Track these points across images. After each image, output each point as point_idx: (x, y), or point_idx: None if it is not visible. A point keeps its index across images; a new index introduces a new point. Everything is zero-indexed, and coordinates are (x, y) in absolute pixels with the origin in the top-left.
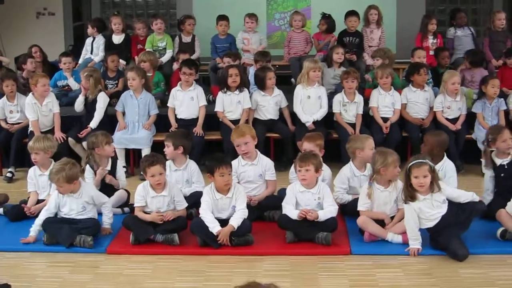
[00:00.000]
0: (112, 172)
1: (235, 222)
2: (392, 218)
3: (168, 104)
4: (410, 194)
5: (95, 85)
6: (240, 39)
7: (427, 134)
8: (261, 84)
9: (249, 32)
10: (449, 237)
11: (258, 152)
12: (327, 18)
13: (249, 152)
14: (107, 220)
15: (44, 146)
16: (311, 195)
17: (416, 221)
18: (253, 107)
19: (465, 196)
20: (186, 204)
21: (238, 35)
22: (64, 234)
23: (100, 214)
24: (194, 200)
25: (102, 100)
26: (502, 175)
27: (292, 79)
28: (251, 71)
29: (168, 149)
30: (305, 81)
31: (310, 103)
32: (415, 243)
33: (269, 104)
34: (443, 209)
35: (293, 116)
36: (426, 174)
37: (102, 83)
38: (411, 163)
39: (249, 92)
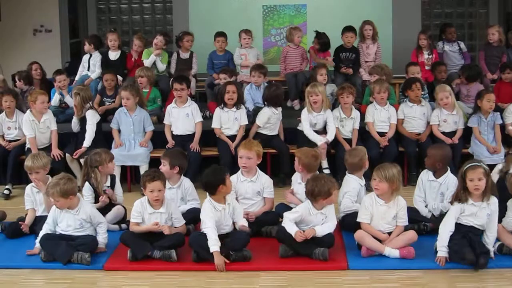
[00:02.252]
0: (111, 187)
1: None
2: (389, 234)
3: (164, 121)
4: (463, 198)
5: (83, 103)
6: (238, 55)
7: (430, 147)
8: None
9: (246, 48)
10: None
11: (258, 170)
12: (320, 37)
13: (249, 167)
14: (102, 240)
15: (43, 163)
16: (320, 215)
17: (452, 228)
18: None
19: (493, 232)
20: (184, 221)
21: (235, 51)
22: (61, 251)
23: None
24: (191, 216)
25: (90, 118)
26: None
27: (288, 102)
28: (248, 88)
29: (164, 168)
30: (309, 107)
31: (317, 128)
32: (444, 252)
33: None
34: (479, 222)
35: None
36: (481, 177)
37: (97, 100)
38: (467, 166)
39: (246, 109)
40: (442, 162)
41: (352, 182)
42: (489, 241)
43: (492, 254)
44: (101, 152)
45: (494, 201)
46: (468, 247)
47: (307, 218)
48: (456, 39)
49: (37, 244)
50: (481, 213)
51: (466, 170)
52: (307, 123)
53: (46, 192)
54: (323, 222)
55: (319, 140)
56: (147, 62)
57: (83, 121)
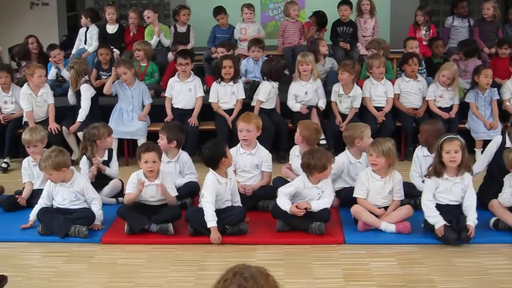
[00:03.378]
0: (108, 161)
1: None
2: (386, 208)
3: (165, 94)
4: (438, 170)
5: (77, 77)
6: (238, 29)
7: (422, 123)
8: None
9: (247, 22)
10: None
11: (258, 143)
12: (317, 16)
13: (249, 140)
14: (97, 217)
15: (41, 137)
16: (316, 189)
17: (432, 198)
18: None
19: (471, 203)
20: (176, 193)
21: (236, 25)
22: (58, 224)
23: None
24: (188, 190)
25: (84, 92)
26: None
27: (286, 70)
28: (244, 62)
29: (162, 142)
30: (297, 76)
31: (308, 98)
32: (439, 221)
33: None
34: (454, 198)
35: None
36: (457, 149)
37: (94, 74)
38: (443, 139)
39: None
40: (436, 137)
41: (341, 156)
42: (468, 213)
43: (472, 223)
44: (99, 126)
45: (467, 176)
46: (448, 228)
47: (303, 192)
48: (467, 15)
49: (31, 217)
50: (455, 188)
51: (443, 142)
52: (292, 96)
53: (38, 166)
54: (320, 197)
55: (299, 106)
56: (152, 43)
57: (78, 94)
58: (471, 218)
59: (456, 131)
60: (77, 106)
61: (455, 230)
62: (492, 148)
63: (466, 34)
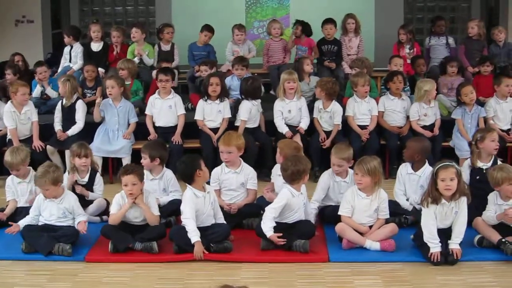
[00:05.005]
0: (90, 183)
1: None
2: (371, 227)
3: (146, 112)
4: (434, 197)
5: (72, 91)
6: (230, 51)
7: (409, 140)
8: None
9: (239, 44)
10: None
11: (242, 161)
12: (301, 23)
13: (231, 161)
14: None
15: (21, 159)
16: (301, 196)
17: (435, 223)
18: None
19: (460, 228)
20: (159, 214)
21: (228, 45)
22: (42, 242)
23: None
24: (173, 208)
25: (81, 109)
26: (477, 177)
27: (272, 91)
28: (229, 79)
29: (145, 161)
30: (282, 94)
31: (292, 116)
32: (436, 246)
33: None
34: (448, 222)
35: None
36: (453, 177)
37: (80, 91)
38: (438, 166)
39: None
40: (421, 154)
41: (324, 175)
42: (453, 235)
43: (455, 246)
44: (77, 144)
45: (463, 200)
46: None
47: (292, 202)
48: (444, 33)
49: (19, 223)
50: (450, 213)
51: (438, 169)
52: (278, 112)
53: (35, 182)
54: (304, 203)
55: (286, 130)
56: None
57: (69, 109)
58: (455, 241)
59: (440, 149)
60: (66, 120)
61: (442, 254)
62: (465, 173)
63: (444, 52)
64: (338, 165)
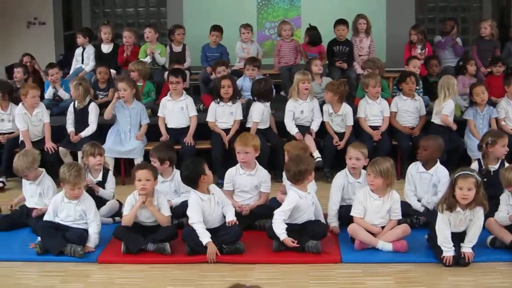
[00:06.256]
0: (103, 182)
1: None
2: (383, 228)
3: (158, 114)
4: (450, 204)
5: (84, 94)
6: (240, 48)
7: (424, 139)
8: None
9: (247, 42)
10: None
11: (257, 163)
12: (310, 30)
13: (247, 162)
14: (92, 241)
15: (27, 164)
16: (309, 196)
17: (449, 228)
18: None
19: (474, 235)
20: (170, 214)
21: (237, 44)
22: (54, 241)
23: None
24: (185, 209)
25: (94, 112)
26: (485, 179)
27: (282, 92)
28: (241, 79)
29: (155, 165)
30: (296, 94)
31: (304, 116)
32: (449, 251)
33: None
34: (462, 228)
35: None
36: (471, 187)
37: (92, 92)
38: (458, 174)
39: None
40: (439, 153)
41: (339, 176)
42: (466, 239)
43: (467, 250)
44: (89, 144)
45: (479, 209)
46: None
47: (301, 203)
48: (451, 32)
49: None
50: (464, 221)
51: (457, 177)
52: (290, 113)
53: (68, 182)
54: (313, 204)
55: (295, 131)
56: (146, 61)
57: (82, 112)
58: (467, 245)
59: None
60: (78, 123)
61: (454, 257)
62: None
63: (452, 51)
64: (356, 157)
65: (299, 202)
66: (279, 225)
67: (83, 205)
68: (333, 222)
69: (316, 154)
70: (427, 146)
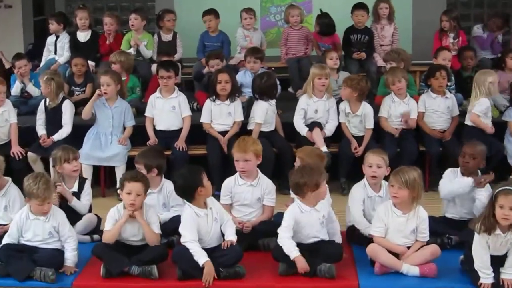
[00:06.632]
0: (79, 193)
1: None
2: (408, 248)
3: (146, 113)
4: (489, 225)
5: (57, 90)
6: (241, 36)
7: (470, 145)
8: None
9: (249, 29)
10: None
11: (259, 172)
12: (321, 18)
13: (248, 171)
14: (71, 258)
15: None
16: (315, 213)
17: (487, 252)
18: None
19: None
20: (160, 232)
21: (237, 31)
22: (19, 265)
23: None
24: (175, 226)
25: (69, 111)
26: None
27: (290, 88)
28: (241, 74)
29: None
30: (311, 90)
31: (318, 117)
32: (488, 278)
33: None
34: (502, 252)
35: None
36: None
37: (66, 89)
38: (499, 189)
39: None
40: (485, 160)
41: (356, 188)
42: (509, 265)
43: (508, 276)
44: (59, 149)
45: None
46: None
47: (301, 219)
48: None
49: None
50: (505, 244)
51: (498, 193)
52: (301, 111)
53: (37, 197)
54: (322, 224)
55: (305, 130)
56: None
57: (54, 112)
58: (508, 271)
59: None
60: (51, 124)
61: (493, 285)
62: None
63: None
64: (377, 164)
65: (299, 217)
66: (286, 242)
67: (53, 220)
68: (366, 227)
69: (324, 149)
70: (476, 154)
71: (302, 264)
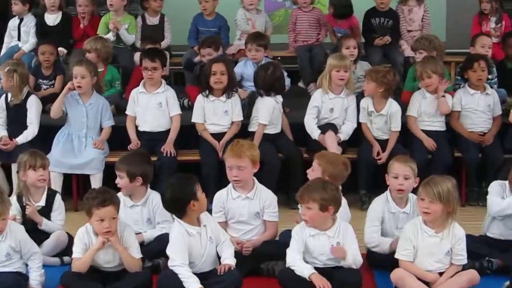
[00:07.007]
0: (48, 209)
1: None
2: (440, 274)
3: (126, 112)
4: None
5: (21, 84)
6: (243, 18)
7: None
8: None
9: (251, 11)
10: None
11: (256, 182)
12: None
13: (242, 180)
14: (37, 278)
15: None
16: (326, 238)
17: None
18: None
19: None
20: (140, 255)
21: (238, 12)
22: None
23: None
24: (162, 246)
25: (35, 108)
26: None
27: (300, 82)
28: (241, 65)
29: (122, 181)
30: (327, 85)
31: (333, 117)
32: None
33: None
34: None
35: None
36: None
37: (32, 82)
38: None
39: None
40: None
41: (377, 201)
42: None
43: None
44: (28, 153)
45: None
46: None
47: (308, 242)
48: None
49: None
50: None
51: None
52: (313, 109)
53: None
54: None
55: (318, 133)
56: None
57: (17, 109)
58: None
59: None
60: (15, 123)
61: None
62: None
63: None
64: (405, 175)
65: (307, 241)
66: (299, 263)
67: (11, 239)
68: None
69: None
70: None
71: (320, 282)
